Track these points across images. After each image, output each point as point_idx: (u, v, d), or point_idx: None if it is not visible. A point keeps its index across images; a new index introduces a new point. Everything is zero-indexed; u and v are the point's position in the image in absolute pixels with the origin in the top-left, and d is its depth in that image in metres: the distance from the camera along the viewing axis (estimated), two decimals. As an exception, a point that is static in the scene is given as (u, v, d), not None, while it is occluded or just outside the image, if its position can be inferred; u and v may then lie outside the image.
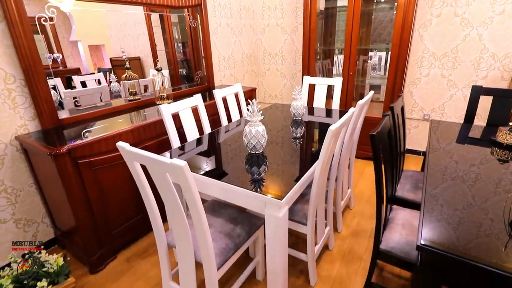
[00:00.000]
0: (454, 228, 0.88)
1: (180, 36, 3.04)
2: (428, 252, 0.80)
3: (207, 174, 1.34)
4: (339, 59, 3.36)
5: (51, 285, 1.40)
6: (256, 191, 1.17)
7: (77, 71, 2.65)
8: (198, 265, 1.21)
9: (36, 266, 1.42)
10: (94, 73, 2.69)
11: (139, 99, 2.34)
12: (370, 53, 3.23)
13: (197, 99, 1.95)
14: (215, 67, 3.06)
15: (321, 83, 2.50)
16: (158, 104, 2.26)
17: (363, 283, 1.52)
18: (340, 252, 1.79)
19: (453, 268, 0.84)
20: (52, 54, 2.47)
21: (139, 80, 2.50)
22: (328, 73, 3.49)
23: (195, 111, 1.96)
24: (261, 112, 1.47)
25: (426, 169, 1.28)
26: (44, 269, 1.44)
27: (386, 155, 1.26)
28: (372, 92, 1.87)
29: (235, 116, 2.31)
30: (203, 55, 2.84)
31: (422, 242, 0.82)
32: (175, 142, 1.76)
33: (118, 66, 2.78)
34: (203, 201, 1.67)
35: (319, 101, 2.51)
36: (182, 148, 1.70)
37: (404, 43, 2.56)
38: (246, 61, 3.59)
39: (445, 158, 1.38)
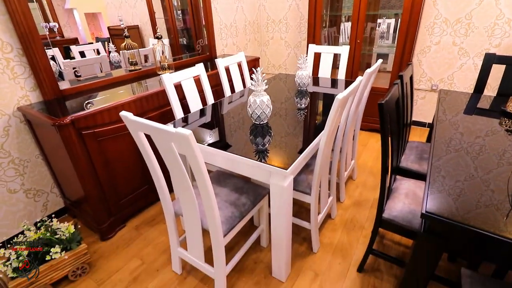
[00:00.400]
0: (454, 199, 0.88)
1: (180, 3, 2.89)
2: (432, 219, 0.82)
3: (212, 145, 1.33)
4: (345, 26, 3.21)
5: (64, 251, 1.46)
6: (261, 161, 1.17)
7: (75, 41, 2.56)
8: (205, 232, 1.25)
9: (48, 234, 1.48)
10: (92, 43, 2.60)
11: (140, 69, 2.29)
12: (379, 20, 3.07)
13: (199, 69, 1.90)
14: (216, 36, 2.94)
15: (327, 52, 2.41)
16: (159, 74, 2.21)
17: (364, 250, 1.58)
18: (342, 221, 1.84)
19: (453, 236, 0.86)
20: (48, 23, 2.37)
21: (139, 49, 2.42)
22: (335, 42, 3.36)
23: (197, 81, 1.91)
24: (265, 81, 1.43)
25: (432, 140, 1.26)
26: (57, 236, 1.49)
27: (392, 126, 1.24)
28: (380, 60, 1.80)
29: (238, 87, 2.26)
30: (204, 23, 2.72)
31: (427, 210, 0.83)
32: (178, 113, 1.74)
33: (116, 35, 2.68)
34: (208, 172, 1.68)
35: (325, 71, 2.44)
36: (185, 119, 1.68)
37: (416, 7, 2.42)
38: (249, 29, 3.44)
39: (451, 130, 1.36)
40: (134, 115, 1.07)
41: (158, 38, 2.15)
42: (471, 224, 0.77)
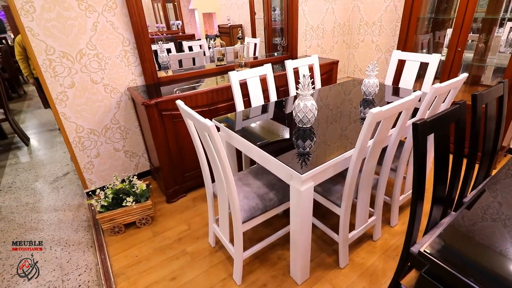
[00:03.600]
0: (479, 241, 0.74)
1: (277, 4, 3.07)
2: (422, 256, 0.73)
3: (250, 138, 1.46)
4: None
5: (134, 202, 1.88)
6: (285, 162, 1.23)
7: (192, 37, 3.10)
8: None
9: (128, 186, 1.93)
10: (200, 39, 3.09)
11: (225, 64, 2.59)
12: (499, 29, 2.49)
13: (266, 69, 2.03)
14: (300, 37, 3.00)
15: (412, 59, 2.16)
16: (237, 71, 2.46)
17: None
18: (384, 246, 1.69)
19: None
20: (174, 22, 2.98)
21: (226, 47, 2.73)
22: (436, 48, 2.92)
23: (263, 81, 2.06)
24: (313, 86, 1.45)
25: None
26: (133, 190, 1.93)
27: (442, 149, 1.09)
28: (465, 74, 1.52)
29: (305, 89, 2.29)
30: (287, 24, 2.82)
31: (425, 250, 0.74)
32: (240, 106, 1.93)
33: (223, 33, 3.10)
34: (253, 164, 1.82)
35: (407, 82, 2.20)
36: (245, 113, 1.85)
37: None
38: (338, 30, 3.35)
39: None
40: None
41: (239, 38, 2.38)
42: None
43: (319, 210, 1.95)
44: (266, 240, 1.54)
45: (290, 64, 2.16)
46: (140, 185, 1.94)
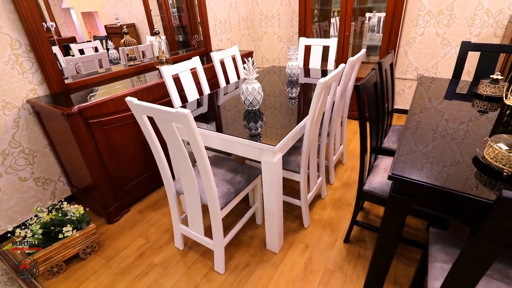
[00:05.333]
0: (418, 163, 1.02)
1: (175, 1, 3.00)
2: (396, 179, 0.96)
3: (209, 128, 1.46)
4: (336, 20, 3.34)
5: (75, 230, 1.60)
6: (253, 140, 1.30)
7: (73, 40, 2.67)
8: (203, 210, 1.39)
9: (60, 215, 1.61)
10: (90, 41, 2.71)
11: (139, 63, 2.40)
12: (369, 14, 3.20)
13: (195, 62, 2.02)
14: (211, 31, 3.06)
15: (316, 44, 2.54)
16: (158, 68, 2.33)
17: (350, 224, 1.72)
18: (331, 200, 1.98)
19: (416, 193, 0.99)
20: (46, 23, 2.49)
21: (137, 46, 2.54)
22: (325, 35, 3.49)
23: (194, 74, 2.04)
24: (256, 69, 1.56)
25: (406, 120, 1.40)
26: (67, 217, 1.62)
27: (372, 110, 1.38)
28: (364, 50, 1.93)
29: (233, 79, 2.39)
30: (199, 19, 2.84)
31: (393, 173, 0.97)
32: (177, 103, 1.86)
33: (113, 34, 2.80)
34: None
35: (315, 63, 2.57)
36: (184, 107, 1.80)
37: (399, 0, 2.55)
38: (243, 24, 3.56)
39: (425, 112, 1.50)
40: None
41: (156, 33, 2.26)
42: (426, 181, 0.92)
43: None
44: (239, 223, 1.59)
45: (216, 56, 2.20)
46: (77, 209, 1.65)
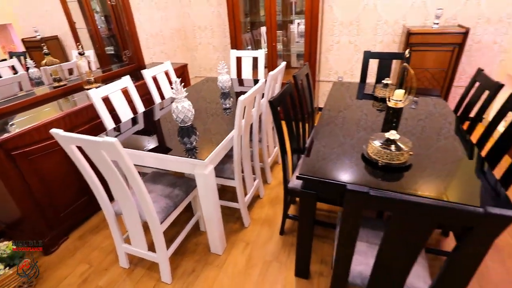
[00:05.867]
0: (319, 161, 1.26)
1: (102, 10, 2.91)
2: (302, 178, 1.18)
3: (143, 148, 1.53)
4: (264, 31, 3.59)
5: (7, 268, 1.52)
6: (184, 156, 1.42)
7: None
8: (146, 225, 1.46)
9: (-13, 254, 1.52)
10: (5, 60, 2.50)
11: (65, 85, 2.31)
12: (292, 26, 3.52)
13: (126, 81, 2.05)
14: (143, 45, 3.05)
15: (246, 56, 2.73)
16: (87, 89, 2.28)
17: (285, 218, 1.95)
18: (268, 199, 2.19)
19: (316, 187, 1.23)
20: None
21: (61, 64, 2.43)
22: (257, 44, 3.72)
23: (126, 93, 2.06)
24: (185, 89, 1.67)
25: (317, 122, 1.66)
26: (-3, 256, 1.54)
27: (287, 116, 1.60)
28: (284, 63, 2.18)
29: (168, 93, 2.45)
30: (128, 36, 2.82)
31: (300, 173, 1.18)
32: (109, 124, 1.88)
33: (33, 48, 2.60)
34: (144, 174, 1.88)
35: (247, 73, 2.77)
36: (117, 129, 1.83)
37: (314, 13, 2.88)
38: (176, 36, 3.61)
39: (332, 112, 1.79)
40: (65, 130, 1.22)
41: (81, 54, 2.21)
42: (320, 176, 1.15)
43: (214, 194, 2.25)
44: (183, 232, 1.69)
45: (147, 73, 2.25)
46: (7, 245, 1.57)
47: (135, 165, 1.23)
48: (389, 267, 0.91)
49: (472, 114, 1.75)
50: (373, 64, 2.49)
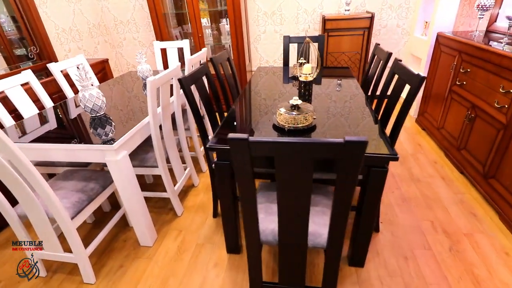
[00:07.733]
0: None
1: (8, 10, 2.59)
2: (213, 149, 1.20)
3: (49, 141, 1.40)
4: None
5: None
6: (91, 143, 1.33)
7: None
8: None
9: None
10: None
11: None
12: (222, 19, 3.53)
13: (27, 76, 1.85)
14: (54, 41, 2.79)
15: (170, 47, 2.67)
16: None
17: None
18: (203, 186, 2.18)
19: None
20: None
21: None
22: (187, 37, 3.66)
23: (31, 90, 1.86)
24: (90, 76, 1.57)
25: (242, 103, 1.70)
26: None
27: (204, 97, 1.61)
28: (205, 49, 2.18)
29: (84, 89, 2.27)
30: (33, 31, 2.54)
31: (208, 145, 1.20)
32: (8, 121, 1.67)
33: None
34: (54, 175, 1.72)
35: (173, 63, 2.70)
36: (20, 126, 1.64)
37: (236, 5, 2.93)
38: (95, 31, 3.36)
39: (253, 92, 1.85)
40: None
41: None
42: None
43: (146, 186, 2.16)
44: (105, 229, 1.58)
45: (55, 67, 2.06)
46: None
47: (44, 164, 1.12)
48: (290, 212, 0.96)
49: (378, 92, 1.93)
50: (294, 48, 2.63)
